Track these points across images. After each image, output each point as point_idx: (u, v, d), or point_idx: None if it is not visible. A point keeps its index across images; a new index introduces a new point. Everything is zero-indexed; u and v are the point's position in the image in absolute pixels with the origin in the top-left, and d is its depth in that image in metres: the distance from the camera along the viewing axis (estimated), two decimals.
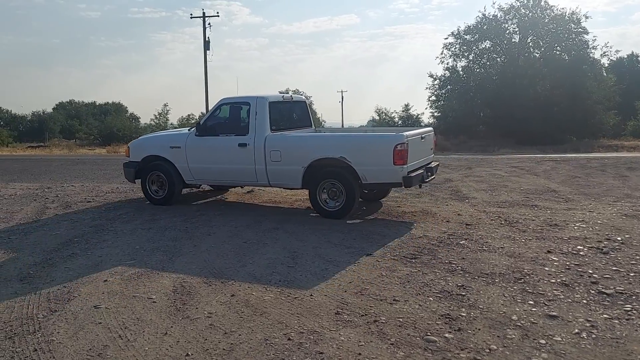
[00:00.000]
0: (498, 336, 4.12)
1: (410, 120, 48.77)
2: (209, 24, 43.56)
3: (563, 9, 40.39)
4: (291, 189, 9.36)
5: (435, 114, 43.44)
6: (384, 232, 7.64)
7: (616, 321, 4.38)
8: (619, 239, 7.02)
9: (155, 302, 4.96)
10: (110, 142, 42.83)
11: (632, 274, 5.58)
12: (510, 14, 40.30)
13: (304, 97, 11.03)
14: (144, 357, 3.83)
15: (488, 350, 3.88)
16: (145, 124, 63.77)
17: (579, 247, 6.67)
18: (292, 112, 10.32)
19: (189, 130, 9.77)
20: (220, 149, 9.17)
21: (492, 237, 7.26)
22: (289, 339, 4.07)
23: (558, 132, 35.55)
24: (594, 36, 40.77)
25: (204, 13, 43.70)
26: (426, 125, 43.21)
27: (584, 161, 17.29)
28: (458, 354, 3.85)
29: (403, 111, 50.67)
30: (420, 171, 8.47)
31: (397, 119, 50.70)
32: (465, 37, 41.13)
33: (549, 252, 6.47)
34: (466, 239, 7.13)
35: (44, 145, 46.37)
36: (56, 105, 74.01)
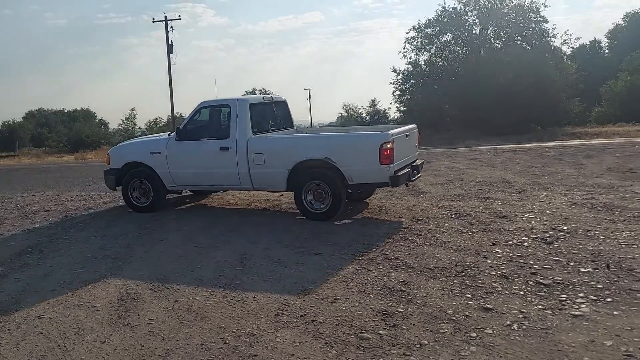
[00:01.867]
0: (431, 331, 4.22)
1: (377, 115, 48.86)
2: (172, 27, 42.77)
3: None
4: (276, 191, 9.29)
5: (401, 108, 43.53)
6: (335, 230, 7.70)
7: (549, 312, 4.51)
8: (564, 228, 7.17)
9: (98, 310, 4.98)
10: (79, 149, 42.30)
11: (572, 264, 5.72)
12: (470, 5, 40.28)
13: (284, 98, 10.81)
14: None
15: (419, 346, 3.98)
16: (113, 129, 63.13)
17: (524, 238, 6.81)
18: (273, 113, 10.13)
19: (169, 135, 9.62)
20: (201, 154, 9.00)
21: (441, 231, 7.38)
22: (225, 343, 4.12)
23: (522, 121, 35.79)
24: (553, 24, 41.20)
25: (165, 17, 42.98)
26: (397, 123, 43.50)
27: (542, 150, 17.61)
28: (389, 350, 3.94)
29: (370, 107, 50.73)
30: (407, 170, 8.38)
31: (364, 115, 50.73)
32: (427, 30, 41.13)
33: (493, 244, 6.60)
34: (415, 234, 7.23)
35: (13, 155, 45.76)
36: (25, 114, 72.88)
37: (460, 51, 41.95)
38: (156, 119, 58.71)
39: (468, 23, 40.93)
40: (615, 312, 4.43)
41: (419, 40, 41.60)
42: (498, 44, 40.90)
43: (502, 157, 16.04)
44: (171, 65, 42.89)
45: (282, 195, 10.31)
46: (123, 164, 9.64)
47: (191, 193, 11.11)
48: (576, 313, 4.45)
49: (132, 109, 59.27)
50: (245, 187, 9.03)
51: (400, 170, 8.15)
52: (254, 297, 5.13)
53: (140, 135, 38.26)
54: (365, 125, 41.25)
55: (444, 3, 41.43)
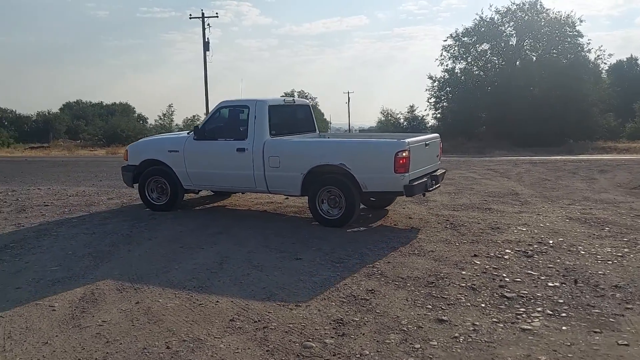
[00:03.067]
0: (377, 341, 4.19)
1: (415, 121, 48.51)
2: (209, 24, 43.41)
3: (559, 12, 40.26)
4: (290, 195, 9.23)
5: (436, 115, 43.39)
6: (325, 236, 7.66)
7: (501, 325, 4.45)
8: (550, 242, 7.08)
9: (55, 310, 5.01)
10: (113, 143, 42.62)
11: (542, 278, 5.66)
12: (507, 16, 40.17)
13: (307, 101, 10.72)
14: None
15: (359, 356, 3.95)
16: (151, 125, 63.46)
17: (507, 250, 6.74)
18: (295, 117, 10.02)
19: (187, 133, 9.57)
20: (218, 154, 8.97)
21: (429, 240, 7.32)
22: (167, 348, 4.13)
23: (554, 134, 35.41)
24: (588, 39, 40.64)
25: (202, 14, 43.54)
26: (432, 130, 43.22)
27: (560, 164, 17.30)
28: (329, 359, 3.91)
29: (408, 112, 50.35)
30: (424, 179, 8.17)
31: (402, 120, 50.40)
32: (464, 39, 40.98)
33: (475, 255, 6.53)
34: (402, 243, 7.19)
35: (45, 146, 46.29)
36: (63, 105, 73.47)
37: (495, 61, 41.62)
38: (194, 116, 58.83)
39: (505, 34, 40.69)
40: (564, 327, 4.38)
41: (456, 48, 41.47)
42: (533, 55, 40.48)
43: (520, 169, 15.80)
44: (207, 63, 43.40)
45: (287, 198, 10.31)
46: (141, 161, 9.64)
47: (212, 193, 11.10)
48: (526, 327, 4.40)
49: (170, 106, 59.74)
50: (260, 190, 8.98)
51: (417, 180, 7.97)
52: (217, 301, 5.15)
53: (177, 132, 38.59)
54: (403, 130, 41.25)
55: (482, 13, 40.94)
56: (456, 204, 10.04)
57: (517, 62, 40.31)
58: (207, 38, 43.36)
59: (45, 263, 6.55)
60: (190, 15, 44.45)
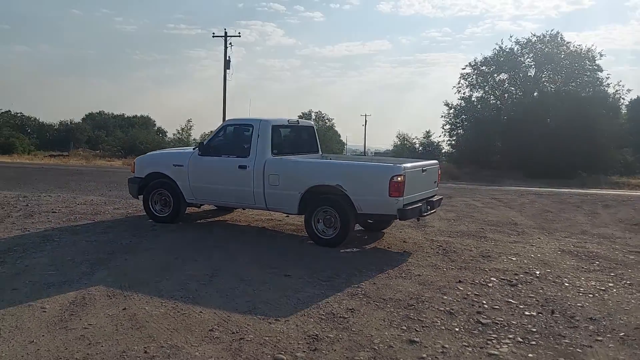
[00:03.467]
0: (347, 357, 4.36)
1: (430, 147, 48.65)
2: (231, 43, 44.34)
3: (579, 45, 40.33)
4: (288, 214, 9.40)
5: (451, 142, 43.55)
6: (318, 254, 7.86)
7: (469, 349, 4.61)
8: (537, 273, 7.21)
9: (45, 311, 5.22)
10: (131, 155, 43.18)
11: (521, 306, 5.80)
12: (527, 47, 40.37)
13: (311, 123, 11.00)
14: None
15: None
16: (169, 138, 64.31)
17: (492, 278, 6.87)
18: (298, 137, 10.28)
19: (193, 149, 9.81)
20: (221, 170, 9.21)
21: (418, 264, 7.47)
22: (145, 352, 4.33)
23: (567, 166, 35.34)
24: (607, 74, 40.56)
25: (225, 33, 44.56)
26: (447, 157, 43.31)
27: (566, 196, 17.31)
28: None
29: (424, 138, 50.52)
30: (419, 204, 8.29)
31: (417, 145, 50.54)
32: (482, 68, 41.26)
33: (459, 281, 6.67)
34: (391, 266, 7.34)
35: (65, 155, 47.07)
36: (85, 115, 74.83)
37: (513, 91, 41.80)
38: (211, 131, 59.58)
39: (523, 65, 40.89)
40: (530, 355, 4.53)
41: (474, 77, 41.68)
42: (551, 87, 40.55)
43: (524, 199, 15.86)
44: (227, 81, 44.14)
45: (287, 216, 10.51)
46: (146, 174, 9.91)
47: (215, 208, 11.34)
48: (493, 352, 4.55)
49: (189, 120, 60.43)
50: (259, 207, 9.19)
51: (411, 204, 8.11)
52: (200, 312, 5.34)
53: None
54: (418, 155, 41.38)
55: (502, 43, 41.14)
56: (453, 230, 10.17)
57: (535, 93, 40.41)
58: (229, 56, 44.24)
59: (44, 267, 6.79)
60: (214, 33, 45.52)
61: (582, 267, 7.61)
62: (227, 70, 44.21)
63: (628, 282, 6.92)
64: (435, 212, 9.34)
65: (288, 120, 9.90)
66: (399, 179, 7.75)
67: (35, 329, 4.78)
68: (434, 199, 9.06)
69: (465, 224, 10.92)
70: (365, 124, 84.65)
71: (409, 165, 8.30)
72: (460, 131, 42.56)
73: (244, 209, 11.03)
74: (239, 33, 46.56)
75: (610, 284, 6.78)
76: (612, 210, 14.08)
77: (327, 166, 8.99)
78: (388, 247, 8.60)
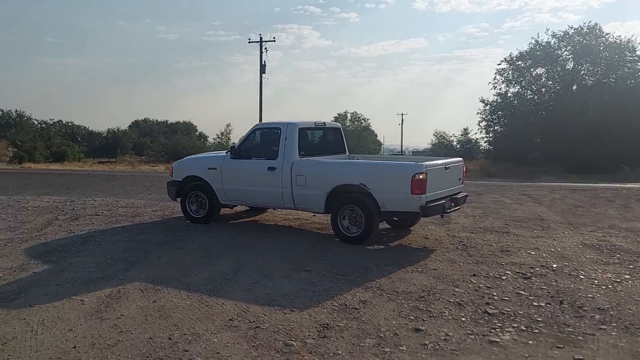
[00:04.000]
0: (353, 344, 4.69)
1: (468, 144, 48.31)
2: (266, 48, 45.46)
3: (619, 36, 39.43)
4: (315, 212, 9.77)
5: (487, 139, 43.20)
6: (338, 251, 8.20)
7: (472, 336, 4.88)
8: (554, 266, 7.38)
9: (84, 304, 5.73)
10: (174, 160, 44.44)
11: (530, 298, 6.02)
12: (564, 40, 39.73)
13: (338, 124, 11.45)
14: (38, 347, 4.60)
15: (332, 354, 4.47)
16: (210, 143, 65.80)
17: (507, 271, 7.09)
18: (325, 139, 10.69)
19: (226, 153, 10.29)
20: (251, 172, 9.66)
21: (436, 259, 7.74)
22: (169, 339, 4.76)
23: (609, 161, 34.56)
24: None
25: (261, 38, 45.79)
26: (485, 154, 42.94)
27: (600, 191, 17.19)
28: (304, 356, 4.45)
29: (462, 135, 50.17)
30: (442, 201, 8.54)
31: (455, 143, 50.22)
32: (518, 63, 40.81)
33: (474, 275, 6.92)
34: (410, 261, 7.62)
35: (112, 161, 48.82)
36: (131, 123, 77.34)
37: (551, 85, 41.19)
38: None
39: (561, 58, 40.21)
40: (530, 342, 4.76)
41: (510, 72, 41.25)
42: (591, 80, 39.83)
43: (555, 195, 15.85)
44: (262, 85, 45.16)
45: (314, 215, 10.90)
46: (184, 177, 10.46)
47: (248, 209, 11.83)
48: (494, 339, 4.80)
49: (228, 125, 61.65)
50: (287, 206, 9.59)
51: (434, 202, 8.34)
52: (223, 304, 5.76)
53: None
54: (456, 154, 41.18)
55: (538, 37, 40.60)
56: (477, 226, 10.37)
57: (574, 87, 39.78)
58: (264, 61, 45.45)
59: (86, 265, 7.37)
60: (250, 39, 46.62)
61: (602, 260, 7.73)
62: (263, 75, 45.23)
63: None
64: (459, 208, 9.60)
65: (315, 123, 10.28)
66: (421, 176, 8.00)
67: (74, 319, 5.27)
68: (459, 195, 9.27)
69: (490, 220, 11.09)
70: (402, 123, 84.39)
71: (430, 162, 8.51)
72: (497, 128, 42.18)
73: (274, 209, 11.45)
74: (274, 38, 47.72)
75: (626, 276, 6.89)
76: None
77: (351, 166, 9.32)
78: (409, 244, 8.87)
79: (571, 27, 39.87)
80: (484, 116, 41.84)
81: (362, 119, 67.60)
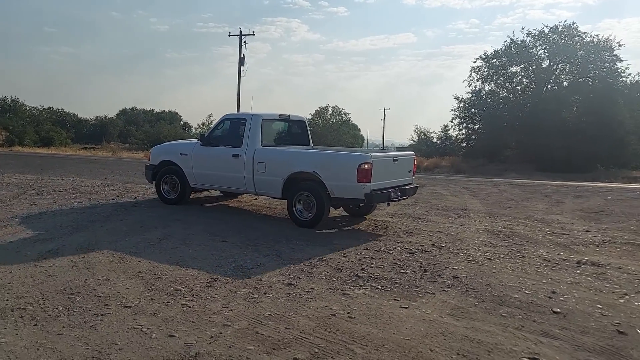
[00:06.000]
0: (230, 291, 5.85)
1: (449, 141, 49.10)
2: (245, 41, 47.15)
3: (596, 35, 40.16)
4: (273, 197, 10.47)
5: (460, 136, 44.16)
6: (260, 227, 9.37)
7: (331, 290, 5.97)
8: (443, 245, 8.42)
9: (26, 256, 7.03)
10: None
11: (403, 267, 7.06)
12: (540, 39, 40.51)
13: (303, 117, 12.04)
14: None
15: (209, 297, 5.62)
16: (193, 132, 67.14)
17: (397, 248, 8.17)
18: (289, 130, 11.49)
19: (197, 140, 11.22)
20: (218, 158, 10.55)
21: (343, 236, 8.90)
22: (85, 282, 5.95)
23: (583, 160, 34.96)
24: (627, 64, 40.35)
25: (240, 31, 47.84)
26: (463, 150, 43.81)
27: (542, 187, 18.27)
28: (186, 297, 5.59)
29: (442, 132, 51.00)
30: (388, 191, 9.26)
31: (435, 140, 51.00)
32: (493, 60, 41.67)
33: (366, 249, 8.03)
34: (319, 237, 8.77)
35: (96, 147, 50.22)
36: (119, 111, 78.92)
37: (526, 83, 42.02)
38: None
39: (536, 56, 41.00)
40: (375, 296, 5.84)
41: (485, 70, 42.07)
42: (566, 80, 40.63)
43: (495, 189, 16.94)
44: (241, 78, 46.62)
45: (267, 199, 12.03)
46: (159, 162, 11.46)
47: (222, 194, 12.96)
48: (348, 293, 5.90)
49: (210, 115, 63.03)
50: (249, 191, 10.51)
51: (380, 190, 9.12)
52: (139, 261, 6.91)
53: None
54: (435, 150, 42.15)
55: (513, 35, 41.48)
56: (399, 213, 11.43)
57: (549, 86, 40.54)
58: (243, 54, 47.50)
59: (37, 229, 8.62)
60: (230, 33, 48.66)
61: (491, 243, 8.73)
62: (242, 67, 46.76)
63: (523, 255, 7.89)
64: (406, 198, 10.36)
65: (279, 115, 11.06)
66: (366, 166, 8.77)
67: (16, 266, 6.51)
68: (407, 187, 10.05)
69: (415, 209, 12.13)
70: (384, 119, 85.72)
71: (376, 154, 9.35)
72: (470, 125, 43.00)
73: (240, 195, 12.60)
74: (253, 31, 49.15)
75: (502, 256, 7.85)
76: (581, 200, 14.89)
77: (305, 155, 9.97)
78: (335, 227, 9.86)
79: (546, 26, 40.66)
80: (457, 113, 42.70)
81: (343, 113, 68.79)
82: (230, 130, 10.77)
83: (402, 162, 9.98)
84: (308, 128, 11.96)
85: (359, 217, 10.82)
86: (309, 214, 9.45)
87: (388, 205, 10.62)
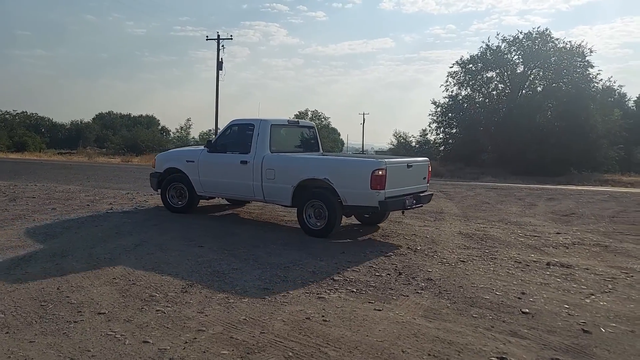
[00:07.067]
0: (206, 296, 5.87)
1: (427, 145, 49.63)
2: (223, 46, 47.48)
3: (569, 42, 41.34)
4: (283, 205, 10.07)
5: (437, 140, 44.73)
6: (239, 233, 9.38)
7: (307, 294, 6.05)
8: (418, 248, 8.58)
9: None
10: (132, 153, 45.56)
11: (378, 270, 7.16)
12: (515, 45, 41.37)
13: (312, 123, 11.80)
14: None
15: (184, 303, 5.63)
16: (171, 137, 66.92)
17: (374, 251, 8.27)
18: (298, 136, 11.14)
19: (204, 147, 10.81)
20: (225, 165, 10.22)
21: (319, 241, 8.88)
22: (57, 289, 5.90)
23: (557, 163, 35.87)
24: (599, 70, 41.38)
25: (218, 35, 48.02)
26: (441, 154, 44.41)
27: (516, 190, 18.59)
28: (163, 304, 5.60)
29: (420, 136, 51.47)
30: (403, 198, 8.97)
31: (414, 144, 51.48)
32: (469, 66, 42.37)
33: (343, 252, 8.11)
34: (297, 242, 8.79)
35: (72, 153, 49.69)
36: (95, 115, 78.25)
37: (501, 88, 42.78)
38: (209, 130, 61.92)
39: (511, 62, 41.81)
40: (350, 299, 5.91)
41: (461, 75, 42.72)
42: (540, 85, 41.46)
43: (470, 193, 17.20)
44: (220, 81, 47.27)
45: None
46: (164, 169, 11.18)
47: (229, 202, 12.67)
48: (323, 296, 5.97)
49: (188, 119, 63.01)
50: (258, 199, 10.16)
51: (394, 198, 8.81)
52: (113, 268, 6.90)
53: (193, 145, 41.41)
54: (414, 153, 42.48)
55: (488, 41, 42.21)
56: None
57: (523, 91, 41.38)
58: (221, 58, 47.69)
59: (10, 236, 8.49)
60: (207, 37, 49.22)
61: (465, 245, 8.89)
62: (220, 72, 46.98)
63: (495, 257, 8.04)
64: (421, 206, 10.04)
65: (288, 120, 10.78)
66: (380, 172, 8.44)
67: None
68: (422, 194, 9.74)
69: (391, 212, 12.19)
70: (364, 123, 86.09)
71: (390, 160, 8.97)
72: (447, 129, 43.64)
73: (248, 202, 12.44)
74: (231, 36, 49.32)
75: (475, 258, 8.02)
76: (553, 203, 15.29)
77: (316, 161, 9.60)
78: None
79: (520, 32, 41.64)
80: (435, 118, 43.32)
81: (323, 117, 69.01)
82: (238, 136, 10.42)
83: (417, 169, 9.69)
84: (317, 134, 11.64)
85: (371, 225, 10.58)
86: (320, 223, 9.17)
87: (403, 213, 10.42)
